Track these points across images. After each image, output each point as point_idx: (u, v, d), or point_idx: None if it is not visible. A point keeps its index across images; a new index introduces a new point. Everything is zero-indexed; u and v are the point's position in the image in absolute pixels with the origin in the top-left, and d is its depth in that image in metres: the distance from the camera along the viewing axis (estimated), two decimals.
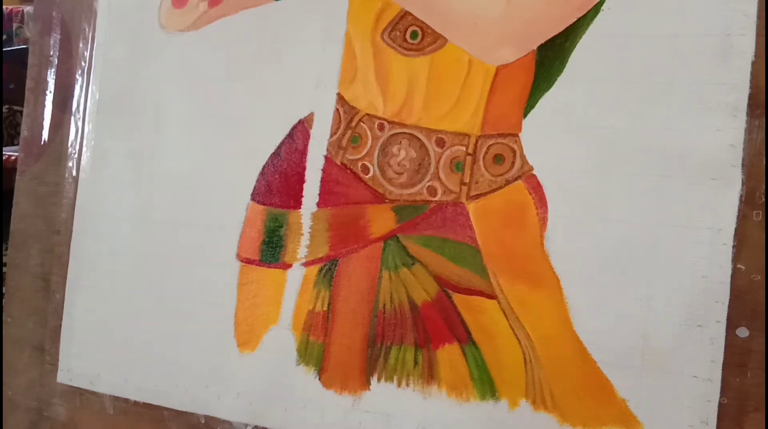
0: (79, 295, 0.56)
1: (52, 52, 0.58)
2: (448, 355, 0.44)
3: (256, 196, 0.50)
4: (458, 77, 0.45)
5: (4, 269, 0.60)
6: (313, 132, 0.49)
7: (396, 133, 0.46)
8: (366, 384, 0.46)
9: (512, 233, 0.43)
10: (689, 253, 0.39)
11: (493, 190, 0.44)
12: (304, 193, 0.49)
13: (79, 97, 0.57)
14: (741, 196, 0.39)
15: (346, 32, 0.48)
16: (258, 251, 0.49)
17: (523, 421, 0.42)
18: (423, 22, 0.46)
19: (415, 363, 0.45)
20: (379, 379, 0.46)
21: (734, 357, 0.38)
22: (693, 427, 0.39)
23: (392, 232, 0.46)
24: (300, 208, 0.49)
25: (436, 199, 0.45)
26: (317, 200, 0.48)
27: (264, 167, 0.50)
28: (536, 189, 0.43)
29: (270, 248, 0.49)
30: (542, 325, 0.42)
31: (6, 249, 0.60)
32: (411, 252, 0.46)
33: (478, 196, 0.44)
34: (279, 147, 0.49)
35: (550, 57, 0.43)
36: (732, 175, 0.39)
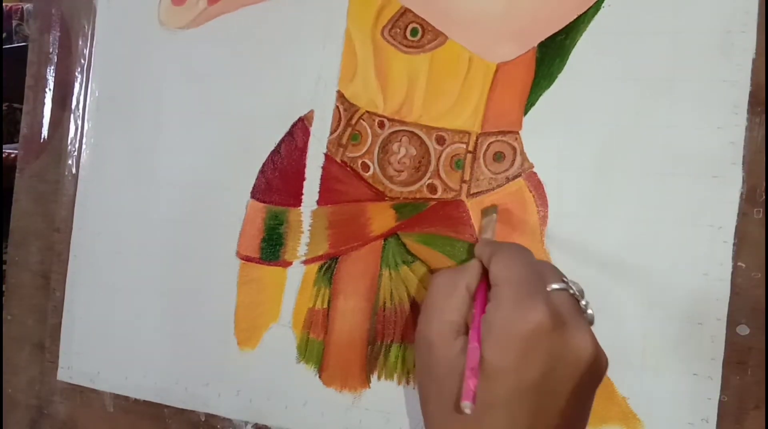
0: (79, 292, 0.56)
1: (51, 50, 0.58)
2: None
3: (256, 194, 0.50)
4: (458, 74, 0.45)
5: (4, 267, 0.60)
6: (312, 130, 0.49)
7: (396, 131, 0.46)
8: (366, 382, 0.46)
9: (512, 231, 0.43)
10: (689, 251, 0.39)
11: (494, 188, 0.44)
12: (304, 191, 0.48)
13: (79, 94, 0.57)
14: (741, 193, 0.39)
15: (345, 29, 0.48)
16: (258, 249, 0.49)
17: None
18: (423, 19, 0.46)
19: None
20: (379, 377, 0.46)
21: (734, 355, 0.38)
22: (693, 425, 0.39)
23: (392, 230, 0.46)
24: (300, 205, 0.49)
25: (436, 196, 0.45)
26: (317, 198, 0.48)
27: (264, 165, 0.50)
28: (536, 187, 0.43)
29: (270, 246, 0.49)
30: None
31: (6, 246, 0.59)
32: (411, 250, 0.46)
33: (478, 194, 0.44)
34: (279, 144, 0.49)
35: (551, 54, 0.43)
36: (732, 173, 0.39)
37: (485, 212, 0.44)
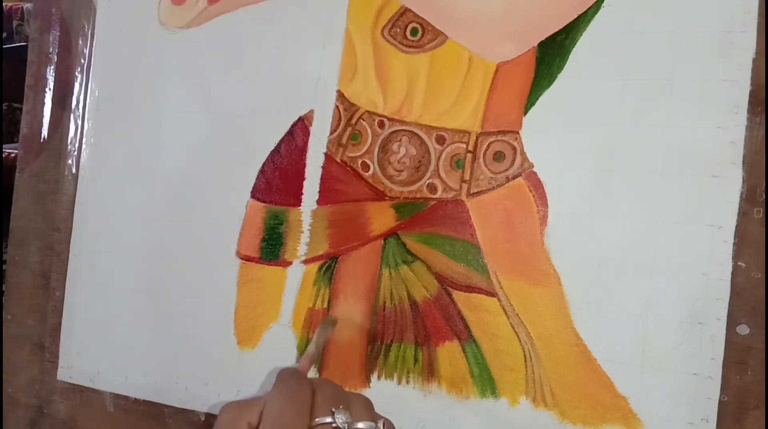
0: (79, 292, 0.56)
1: (51, 49, 0.58)
2: (448, 352, 0.44)
3: (255, 194, 0.50)
4: (458, 74, 0.45)
5: (4, 267, 0.60)
6: (312, 129, 0.49)
7: (396, 131, 0.46)
8: (366, 381, 0.46)
9: (512, 231, 0.43)
10: (690, 251, 0.39)
11: (494, 188, 0.44)
12: (304, 191, 0.48)
13: (79, 94, 0.57)
14: (741, 193, 0.38)
15: (346, 29, 0.48)
16: (258, 249, 0.49)
17: (523, 418, 0.42)
18: (423, 19, 0.46)
19: (415, 360, 0.45)
20: (379, 377, 0.46)
21: (734, 354, 0.38)
22: (693, 425, 0.39)
23: (392, 230, 0.46)
24: (300, 205, 0.49)
25: (436, 196, 0.45)
26: (317, 198, 0.48)
27: (264, 164, 0.50)
28: (536, 186, 0.43)
29: (270, 246, 0.49)
30: (542, 322, 0.42)
31: (6, 246, 0.59)
32: (411, 249, 0.46)
33: (478, 194, 0.44)
34: (279, 144, 0.49)
35: (551, 54, 0.43)
36: (732, 173, 0.39)
37: (324, 323, 0.46)
